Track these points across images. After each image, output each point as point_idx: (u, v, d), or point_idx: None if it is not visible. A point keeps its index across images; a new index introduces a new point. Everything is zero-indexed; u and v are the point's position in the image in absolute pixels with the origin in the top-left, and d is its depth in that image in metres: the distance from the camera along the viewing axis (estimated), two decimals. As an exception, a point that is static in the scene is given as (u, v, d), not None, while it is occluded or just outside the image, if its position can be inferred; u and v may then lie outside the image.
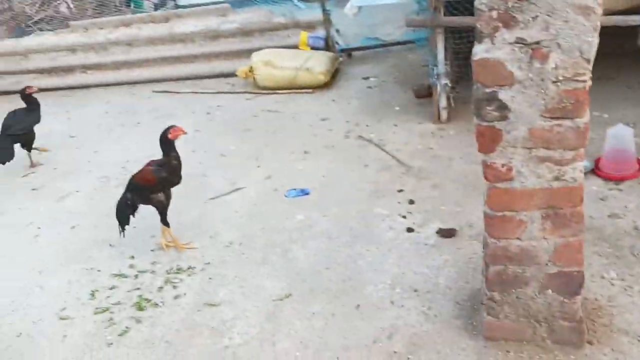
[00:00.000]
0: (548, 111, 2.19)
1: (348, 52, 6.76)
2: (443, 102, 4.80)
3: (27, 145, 5.02)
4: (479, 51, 2.18)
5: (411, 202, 3.84)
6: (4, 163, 4.91)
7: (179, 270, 3.48)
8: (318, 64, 5.97)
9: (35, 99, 4.99)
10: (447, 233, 3.44)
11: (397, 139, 4.73)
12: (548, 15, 2.07)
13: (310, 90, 5.93)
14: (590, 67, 2.13)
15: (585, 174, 3.72)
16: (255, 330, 2.94)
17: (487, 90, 2.21)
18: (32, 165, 5.11)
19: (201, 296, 3.24)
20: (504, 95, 2.20)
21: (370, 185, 4.13)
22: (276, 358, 2.75)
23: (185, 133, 3.50)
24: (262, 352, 2.79)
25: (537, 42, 2.11)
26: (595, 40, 2.08)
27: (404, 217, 3.70)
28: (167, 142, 3.48)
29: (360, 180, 4.21)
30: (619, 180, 3.68)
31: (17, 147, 4.97)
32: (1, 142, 4.91)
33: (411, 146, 4.59)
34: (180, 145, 3.54)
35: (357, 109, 5.43)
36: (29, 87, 5.02)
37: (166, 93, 6.48)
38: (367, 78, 6.14)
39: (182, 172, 3.61)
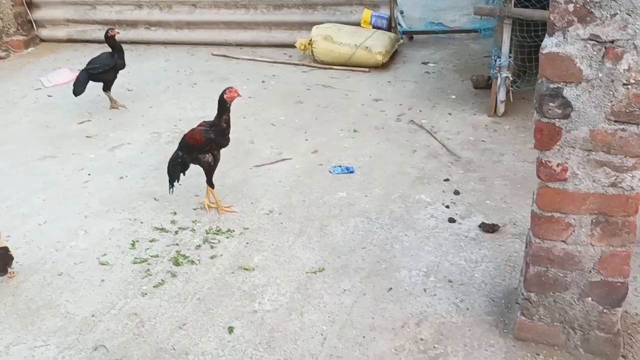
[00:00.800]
0: (613, 114, 2.10)
1: (410, 34, 6.65)
2: (502, 96, 4.67)
3: (99, 80, 5.22)
4: (549, 44, 2.10)
5: (456, 192, 3.78)
6: (75, 95, 5.16)
7: (218, 231, 3.53)
8: (378, 44, 5.89)
9: (117, 44, 5.17)
10: (489, 228, 3.38)
11: (449, 128, 4.65)
12: (628, 14, 1.97)
13: (366, 70, 5.86)
14: (666, 73, 2.03)
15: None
16: (285, 298, 2.97)
17: (552, 85, 2.14)
18: (114, 107, 5.34)
19: (236, 259, 3.29)
20: (569, 92, 2.12)
21: (416, 170, 4.08)
22: (303, 328, 2.77)
23: (239, 96, 3.51)
24: (289, 320, 2.82)
25: (612, 41, 2.01)
26: (675, 44, 1.98)
27: (447, 206, 3.64)
28: (223, 103, 3.51)
29: (406, 165, 4.16)
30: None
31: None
32: (81, 76, 5.19)
33: (463, 136, 4.50)
34: (231, 110, 3.57)
35: (412, 93, 5.35)
36: (111, 29, 5.20)
37: (224, 57, 6.53)
38: (426, 63, 6.03)
39: (231, 137, 3.65)
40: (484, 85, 5.12)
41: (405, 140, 4.52)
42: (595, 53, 2.06)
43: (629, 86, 2.04)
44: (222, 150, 3.69)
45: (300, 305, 2.92)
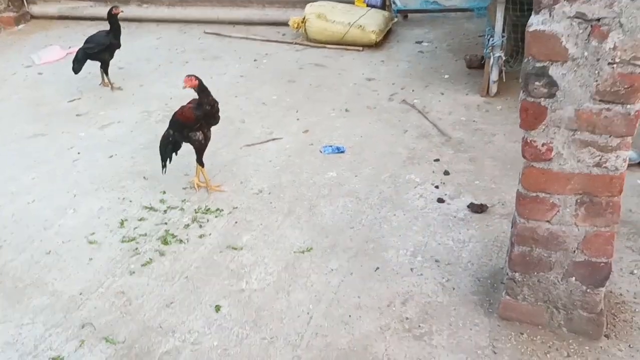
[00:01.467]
0: (599, 93, 2.08)
1: (404, 13, 6.57)
2: (494, 76, 4.63)
3: (96, 59, 5.18)
4: (535, 22, 2.08)
5: (446, 173, 3.77)
6: (75, 72, 5.15)
7: (207, 210, 3.53)
8: (371, 23, 5.83)
9: (116, 23, 5.10)
10: (477, 208, 3.38)
11: (441, 108, 4.62)
12: (614, -9, 1.94)
13: (360, 48, 5.81)
14: (652, 51, 2.01)
15: (632, 165, 3.61)
16: (272, 278, 2.98)
17: (538, 64, 2.12)
18: (104, 84, 5.30)
19: (225, 238, 3.29)
20: (554, 71, 2.10)
21: (407, 151, 4.07)
22: (289, 307, 2.78)
23: (193, 87, 3.37)
24: (276, 299, 2.83)
25: (598, 19, 1.99)
26: (661, 23, 1.95)
27: (437, 187, 3.64)
28: (194, 89, 3.43)
29: (397, 145, 4.14)
30: (666, 177, 3.52)
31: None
32: (79, 54, 5.16)
33: (454, 116, 4.48)
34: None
35: (405, 72, 5.31)
36: (115, 7, 5.14)
37: (217, 35, 6.46)
38: (420, 42, 5.98)
39: (222, 116, 3.62)
40: (477, 65, 5.08)
41: (397, 120, 4.49)
42: (581, 31, 2.03)
43: (615, 65, 2.03)
44: (213, 129, 3.67)
45: (287, 284, 2.93)
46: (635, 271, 2.84)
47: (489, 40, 4.58)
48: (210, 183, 3.74)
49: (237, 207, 3.55)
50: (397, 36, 6.17)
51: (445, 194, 3.56)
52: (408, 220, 3.34)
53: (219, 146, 4.14)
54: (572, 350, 2.44)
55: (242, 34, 6.43)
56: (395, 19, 6.32)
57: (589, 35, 2.03)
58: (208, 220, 3.44)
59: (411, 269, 2.97)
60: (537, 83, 2.14)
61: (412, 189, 3.64)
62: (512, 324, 2.58)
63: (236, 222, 3.42)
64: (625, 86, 2.04)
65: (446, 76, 5.18)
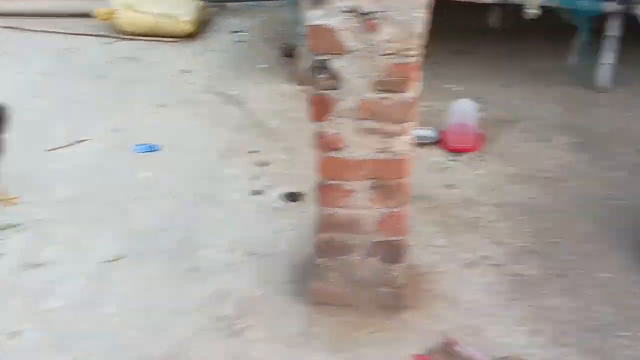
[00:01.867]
0: (377, 83, 2.20)
1: (221, 2, 6.48)
2: (305, 64, 4.74)
3: None
4: (313, 17, 2.13)
5: (263, 164, 3.79)
6: None
7: (4, 227, 3.19)
8: (183, 12, 5.65)
9: None
10: (293, 197, 3.45)
11: (257, 98, 4.63)
12: (379, -14, 2.05)
13: (174, 40, 5.62)
14: (420, 42, 2.15)
15: (430, 144, 3.92)
16: (80, 293, 2.78)
17: (320, 57, 2.18)
18: None
19: (25, 256, 3.00)
20: (335, 64, 2.18)
21: (224, 144, 4.02)
22: (98, 322, 2.62)
23: None
24: (83, 316, 2.65)
25: (369, 13, 2.09)
26: (423, 15, 2.10)
27: (254, 179, 3.65)
28: None
29: (214, 139, 4.08)
30: (459, 152, 3.86)
31: None
32: None
33: (271, 106, 4.51)
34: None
35: (221, 63, 5.24)
36: None
37: (13, 29, 5.85)
38: (236, 32, 5.93)
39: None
40: (291, 53, 5.16)
41: (213, 113, 4.42)
42: (356, 25, 2.12)
43: (388, 56, 2.15)
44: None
45: (97, 297, 2.76)
46: (433, 243, 3.08)
47: (296, 28, 4.66)
48: (7, 195, 3.39)
49: (39, 220, 3.26)
50: (214, 26, 6.07)
51: (263, 185, 3.58)
52: (225, 215, 3.31)
53: (16, 153, 3.73)
54: (378, 325, 2.58)
55: (44, 27, 5.89)
56: (211, 9, 6.20)
57: (363, 28, 2.12)
58: (4, 238, 3.12)
59: (227, 265, 2.94)
60: (321, 76, 2.20)
61: (229, 183, 3.61)
62: (325, 308, 2.66)
63: (37, 237, 3.14)
64: (399, 76, 2.18)
65: (263, 65, 5.20)
